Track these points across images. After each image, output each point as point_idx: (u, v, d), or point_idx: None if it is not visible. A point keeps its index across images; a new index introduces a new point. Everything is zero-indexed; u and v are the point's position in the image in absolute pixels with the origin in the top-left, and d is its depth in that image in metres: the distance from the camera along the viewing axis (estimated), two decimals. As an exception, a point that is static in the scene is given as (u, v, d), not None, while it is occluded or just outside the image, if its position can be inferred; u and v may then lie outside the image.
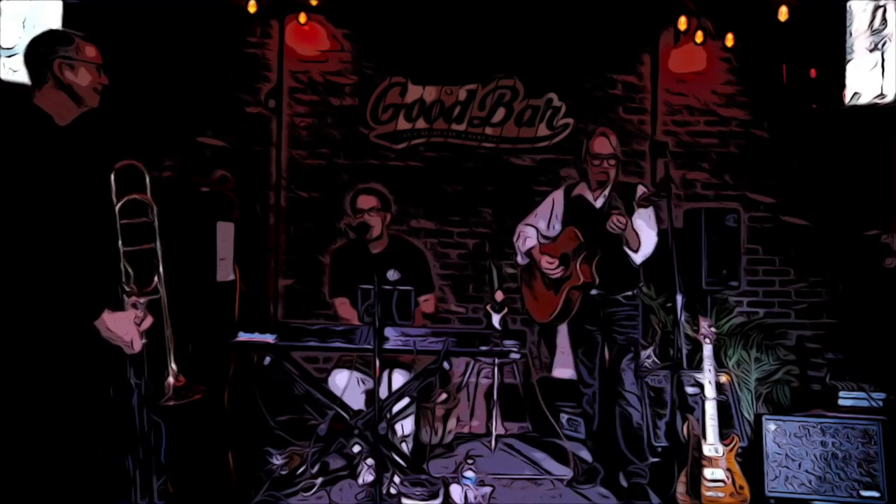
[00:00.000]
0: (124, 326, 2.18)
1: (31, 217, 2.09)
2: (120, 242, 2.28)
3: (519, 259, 3.85)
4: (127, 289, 2.27)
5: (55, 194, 2.14)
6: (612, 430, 3.53)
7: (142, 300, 2.27)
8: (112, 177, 2.30)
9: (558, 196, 3.78)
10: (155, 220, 2.35)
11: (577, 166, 3.81)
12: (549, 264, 3.62)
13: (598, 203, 3.61)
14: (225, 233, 3.53)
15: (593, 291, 3.55)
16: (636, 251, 3.47)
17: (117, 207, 2.28)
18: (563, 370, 4.66)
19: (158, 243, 2.34)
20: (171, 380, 2.33)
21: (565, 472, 3.76)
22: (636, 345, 3.58)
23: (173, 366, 2.33)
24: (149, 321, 2.27)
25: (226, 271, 3.51)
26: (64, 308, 2.12)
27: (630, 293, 3.56)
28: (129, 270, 2.28)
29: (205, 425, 3.13)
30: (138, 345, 2.22)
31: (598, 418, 3.62)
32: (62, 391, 2.14)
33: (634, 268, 3.55)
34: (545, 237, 3.77)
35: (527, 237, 3.78)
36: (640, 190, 3.56)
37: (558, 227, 3.72)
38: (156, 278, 2.33)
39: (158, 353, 2.35)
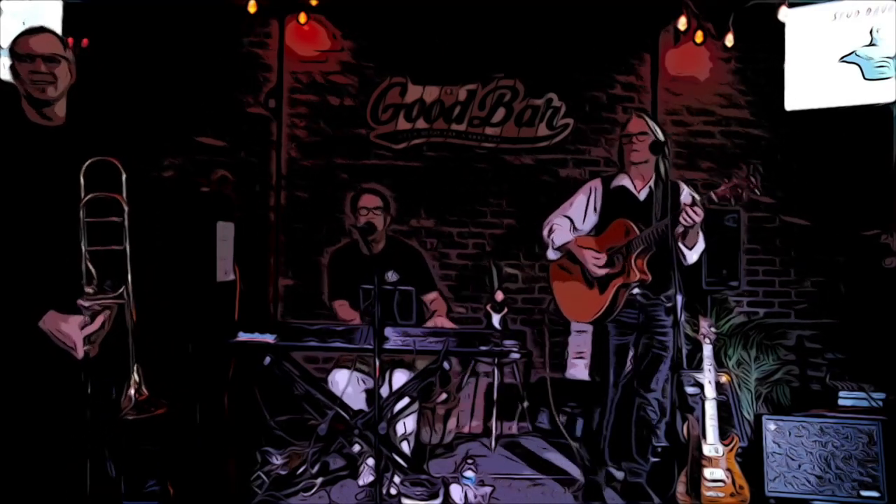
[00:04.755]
0: (68, 330, 2.08)
1: (21, 217, 2.10)
2: (83, 242, 2.12)
3: (550, 254, 3.61)
4: (89, 290, 2.12)
5: (50, 194, 2.14)
6: (626, 433, 3.43)
7: (87, 304, 2.11)
8: (81, 174, 2.13)
9: (596, 186, 3.57)
10: (125, 220, 2.17)
11: (617, 159, 3.59)
12: (595, 260, 3.41)
13: (643, 195, 3.44)
14: (225, 233, 3.54)
15: (635, 290, 3.36)
16: (691, 248, 3.31)
17: (81, 204, 2.12)
18: (578, 371, 4.63)
19: (128, 245, 2.17)
20: (132, 392, 2.13)
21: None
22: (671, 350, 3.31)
23: (136, 377, 2.14)
24: (94, 327, 2.11)
25: (226, 271, 3.52)
26: (21, 306, 2.09)
27: (671, 293, 3.31)
28: (93, 271, 2.12)
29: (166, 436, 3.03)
30: (80, 351, 2.09)
31: (612, 421, 3.46)
32: (19, 391, 2.12)
33: (684, 266, 3.35)
34: (577, 230, 3.55)
35: (560, 230, 3.54)
36: (683, 188, 3.46)
37: (594, 220, 3.53)
38: (123, 285, 2.15)
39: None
